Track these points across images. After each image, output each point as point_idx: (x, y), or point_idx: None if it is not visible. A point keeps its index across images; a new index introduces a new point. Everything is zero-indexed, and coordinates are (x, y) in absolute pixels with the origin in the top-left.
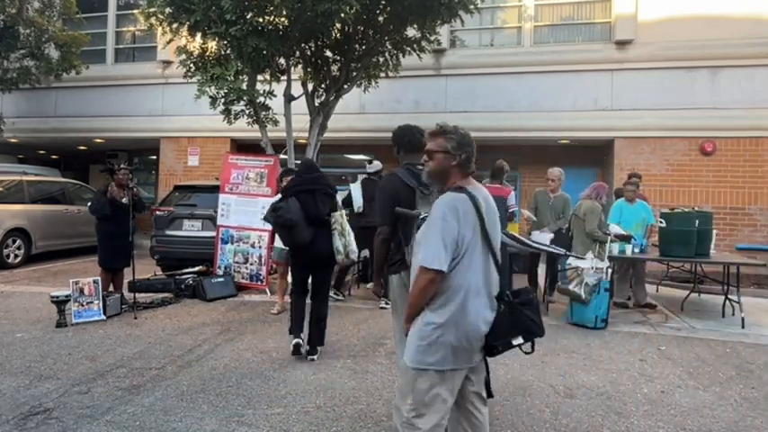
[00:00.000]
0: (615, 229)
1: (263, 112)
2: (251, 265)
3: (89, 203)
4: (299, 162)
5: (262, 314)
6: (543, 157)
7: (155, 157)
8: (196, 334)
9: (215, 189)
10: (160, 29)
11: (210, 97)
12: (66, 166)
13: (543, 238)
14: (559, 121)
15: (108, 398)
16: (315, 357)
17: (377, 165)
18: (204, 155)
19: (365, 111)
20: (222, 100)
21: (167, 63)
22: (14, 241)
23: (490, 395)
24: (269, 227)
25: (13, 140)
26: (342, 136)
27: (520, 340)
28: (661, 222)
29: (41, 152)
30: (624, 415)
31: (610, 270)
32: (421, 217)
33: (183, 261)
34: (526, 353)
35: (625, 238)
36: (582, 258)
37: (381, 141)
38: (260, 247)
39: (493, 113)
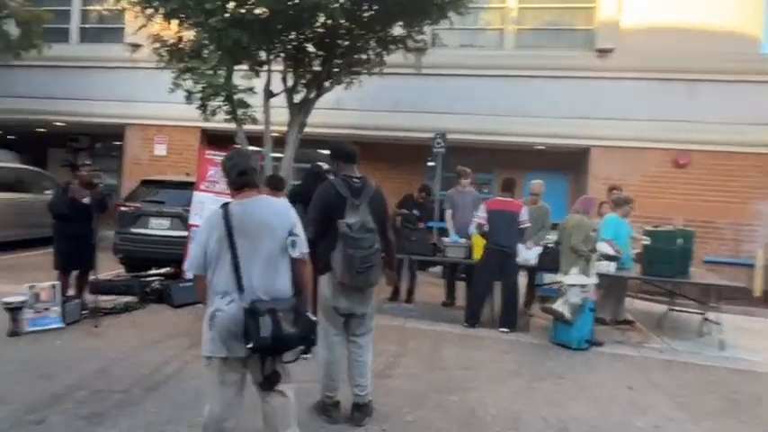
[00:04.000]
0: (605, 247)
1: (242, 109)
2: None
3: (48, 203)
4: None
5: None
6: (518, 161)
7: (119, 143)
8: (163, 348)
9: (185, 185)
10: (132, 12)
11: (186, 91)
12: (24, 147)
13: (531, 252)
14: (537, 127)
15: (66, 429)
16: None
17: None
18: (172, 144)
19: (342, 107)
20: (199, 95)
21: (136, 46)
22: None
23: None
24: None
25: None
26: (317, 131)
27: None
28: (646, 240)
29: None
30: None
31: (596, 288)
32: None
33: (148, 261)
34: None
35: (613, 259)
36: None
37: (357, 138)
38: None
39: (471, 116)
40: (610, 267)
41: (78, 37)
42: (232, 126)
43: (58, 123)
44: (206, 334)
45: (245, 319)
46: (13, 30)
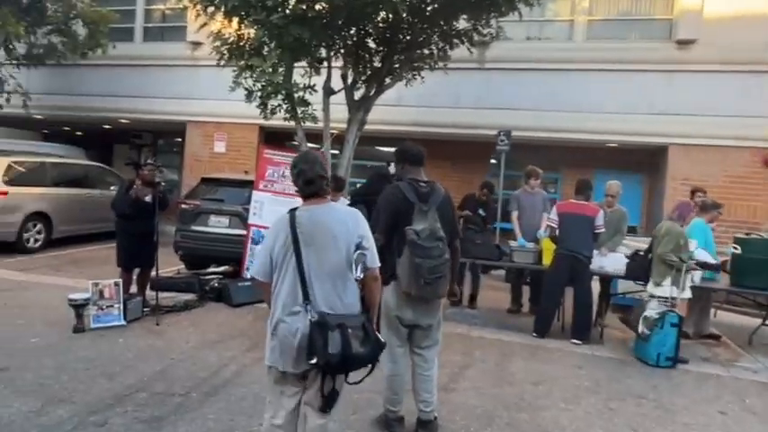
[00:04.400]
0: (703, 255)
1: (302, 108)
2: None
3: (112, 201)
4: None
5: None
6: (586, 159)
7: (180, 140)
8: (222, 349)
9: (244, 184)
10: (194, 11)
11: (246, 90)
12: (91, 144)
13: (606, 259)
14: (609, 124)
15: None
16: None
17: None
18: (231, 141)
19: (402, 103)
20: (258, 93)
21: (197, 44)
22: (35, 225)
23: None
24: None
25: (38, 116)
26: (375, 128)
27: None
28: (735, 248)
29: (66, 128)
30: None
31: (681, 301)
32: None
33: (208, 259)
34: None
35: (712, 267)
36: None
37: (417, 135)
38: None
39: (537, 112)
40: (694, 277)
41: (141, 36)
42: (291, 124)
43: (122, 121)
44: (268, 342)
45: (312, 333)
46: (80, 30)
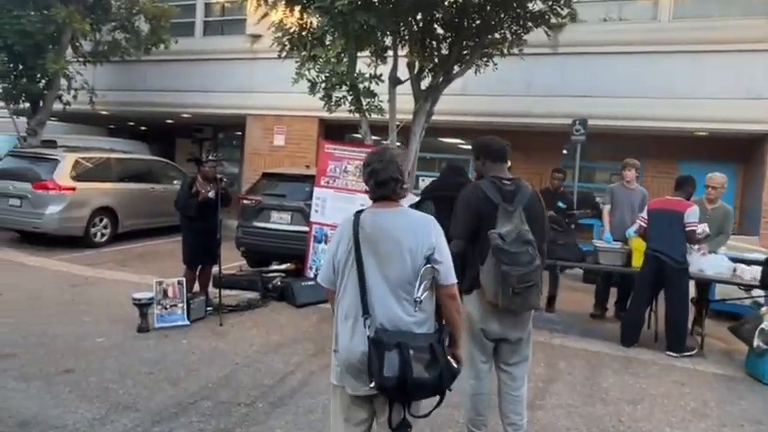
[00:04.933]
0: None
1: (368, 99)
2: None
3: (176, 199)
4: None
5: None
6: (670, 149)
7: (240, 134)
8: (287, 354)
9: (306, 178)
10: (254, 2)
11: (309, 81)
12: (154, 138)
13: (712, 261)
14: (699, 110)
15: None
16: None
17: None
18: (291, 134)
19: (467, 92)
20: (322, 85)
21: (256, 37)
22: (101, 220)
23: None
24: None
25: (103, 113)
26: (439, 119)
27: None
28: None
29: (130, 124)
30: None
31: None
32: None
33: (270, 255)
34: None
35: None
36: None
37: (483, 126)
38: None
39: (615, 99)
40: None
41: (202, 30)
42: (352, 116)
43: (184, 115)
44: (333, 358)
45: (369, 352)
46: (143, 26)
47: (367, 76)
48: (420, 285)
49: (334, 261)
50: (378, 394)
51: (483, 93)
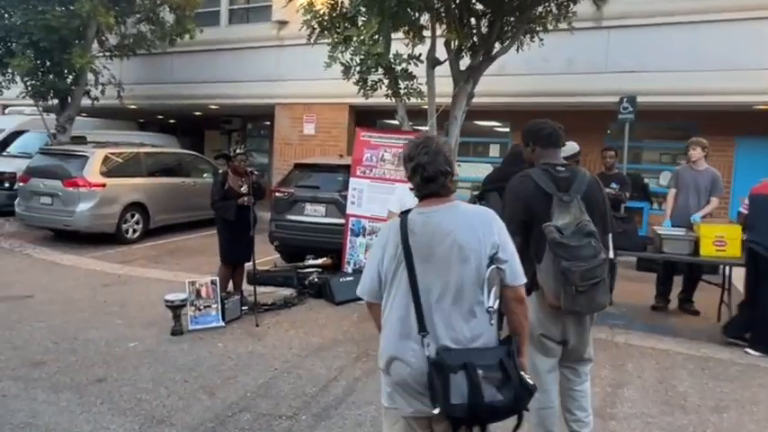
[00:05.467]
0: None
1: (406, 82)
2: None
3: (212, 199)
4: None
5: None
6: (727, 125)
7: (269, 123)
8: (329, 358)
9: (340, 168)
10: None
11: (343, 65)
12: (183, 131)
13: None
14: (759, 82)
15: None
16: None
17: (573, 146)
18: (321, 123)
19: (504, 72)
20: (357, 68)
21: (283, 23)
22: (133, 216)
23: None
24: None
25: (132, 107)
26: (477, 101)
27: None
28: None
29: (159, 117)
30: None
31: None
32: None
33: (304, 249)
34: None
35: None
36: None
37: (521, 107)
38: None
39: (667, 74)
40: None
41: (227, 19)
42: (384, 101)
43: (211, 107)
44: (382, 378)
45: (430, 375)
46: (167, 17)
47: (404, 57)
48: (490, 292)
49: (380, 271)
50: (439, 416)
51: (521, 72)
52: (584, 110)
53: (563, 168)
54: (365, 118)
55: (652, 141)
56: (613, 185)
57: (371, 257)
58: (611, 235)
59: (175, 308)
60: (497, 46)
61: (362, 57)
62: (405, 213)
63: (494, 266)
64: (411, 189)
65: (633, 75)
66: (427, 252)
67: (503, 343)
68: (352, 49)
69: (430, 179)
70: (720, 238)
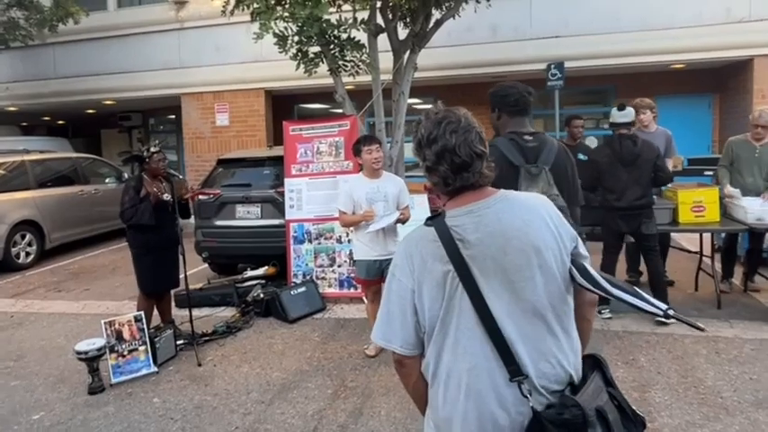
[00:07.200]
0: None
1: (354, 53)
2: (339, 267)
3: (122, 209)
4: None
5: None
6: (644, 85)
7: (174, 117)
8: (300, 399)
9: (271, 161)
10: None
11: (277, 35)
12: (75, 132)
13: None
14: (677, 41)
15: None
16: None
17: (631, 112)
18: (235, 111)
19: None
20: (295, 38)
21: (182, 3)
22: (24, 237)
23: None
24: None
25: (11, 108)
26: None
27: None
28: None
29: (46, 118)
30: None
31: None
32: None
33: (239, 258)
34: None
35: None
36: None
37: (448, 80)
38: (349, 241)
39: (587, 37)
40: None
41: (116, 2)
42: (303, 83)
43: (106, 102)
44: None
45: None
46: (44, 0)
47: (352, 22)
48: (581, 284)
49: (421, 310)
50: None
51: (442, 44)
52: (512, 79)
53: (531, 137)
54: (284, 104)
55: (573, 108)
56: (581, 157)
57: (393, 292)
58: (579, 208)
59: (91, 360)
60: (436, 13)
61: (300, 24)
62: (435, 219)
63: (577, 264)
64: (427, 188)
65: (556, 40)
66: (492, 264)
67: (590, 366)
68: (289, 13)
69: (463, 166)
70: (699, 204)
